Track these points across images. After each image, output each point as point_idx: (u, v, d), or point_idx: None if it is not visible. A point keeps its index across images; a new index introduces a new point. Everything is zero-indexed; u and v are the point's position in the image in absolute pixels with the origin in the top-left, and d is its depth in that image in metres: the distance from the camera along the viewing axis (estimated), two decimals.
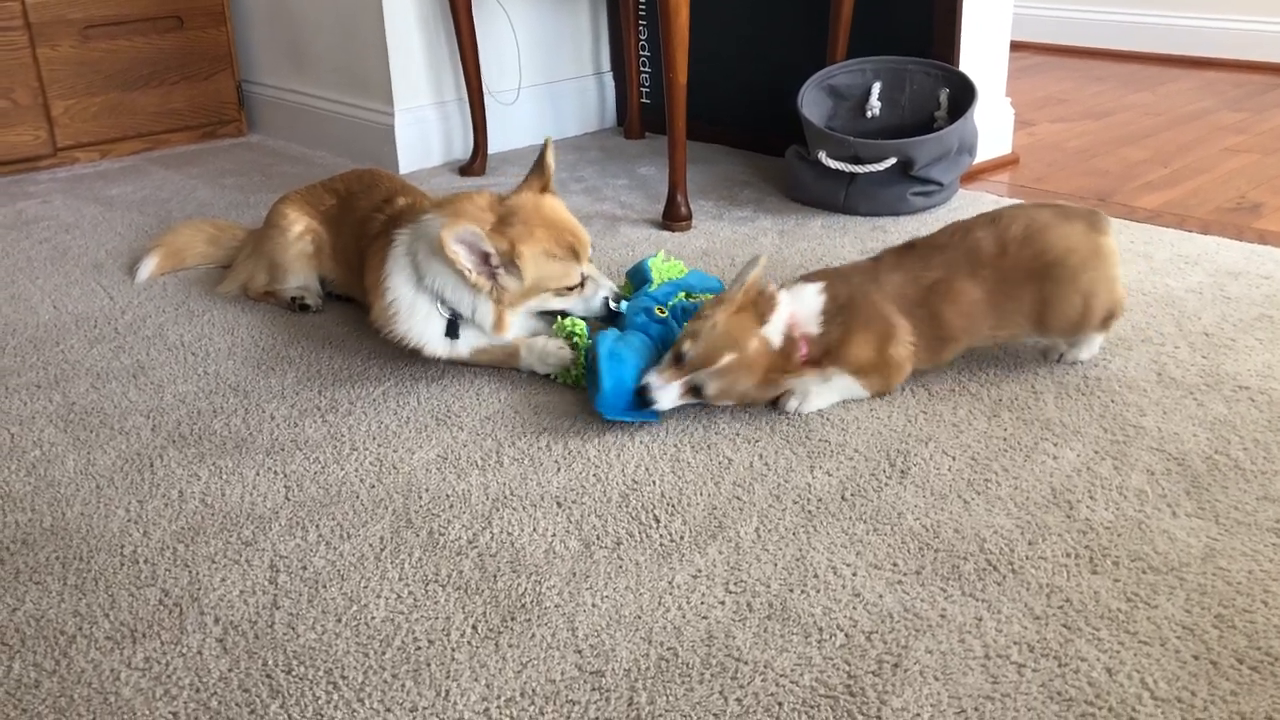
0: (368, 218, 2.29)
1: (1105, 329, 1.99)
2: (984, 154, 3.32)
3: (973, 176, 3.30)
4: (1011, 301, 1.90)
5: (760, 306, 1.84)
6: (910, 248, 1.98)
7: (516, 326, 2.10)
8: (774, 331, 1.84)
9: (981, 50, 3.21)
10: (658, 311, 2.04)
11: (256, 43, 4.15)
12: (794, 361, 1.85)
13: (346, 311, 2.47)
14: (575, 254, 2.05)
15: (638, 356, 1.91)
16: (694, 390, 1.84)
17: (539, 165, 2.14)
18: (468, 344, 2.11)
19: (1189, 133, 3.84)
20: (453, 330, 2.08)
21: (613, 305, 2.12)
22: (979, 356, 2.10)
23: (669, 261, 2.27)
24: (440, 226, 1.95)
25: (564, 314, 2.13)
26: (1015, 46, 5.33)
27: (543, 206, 2.06)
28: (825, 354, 1.87)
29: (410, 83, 3.61)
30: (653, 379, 1.83)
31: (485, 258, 1.98)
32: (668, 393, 1.83)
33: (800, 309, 1.87)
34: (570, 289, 2.07)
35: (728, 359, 1.80)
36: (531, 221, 2.02)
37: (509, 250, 1.97)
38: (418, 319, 2.08)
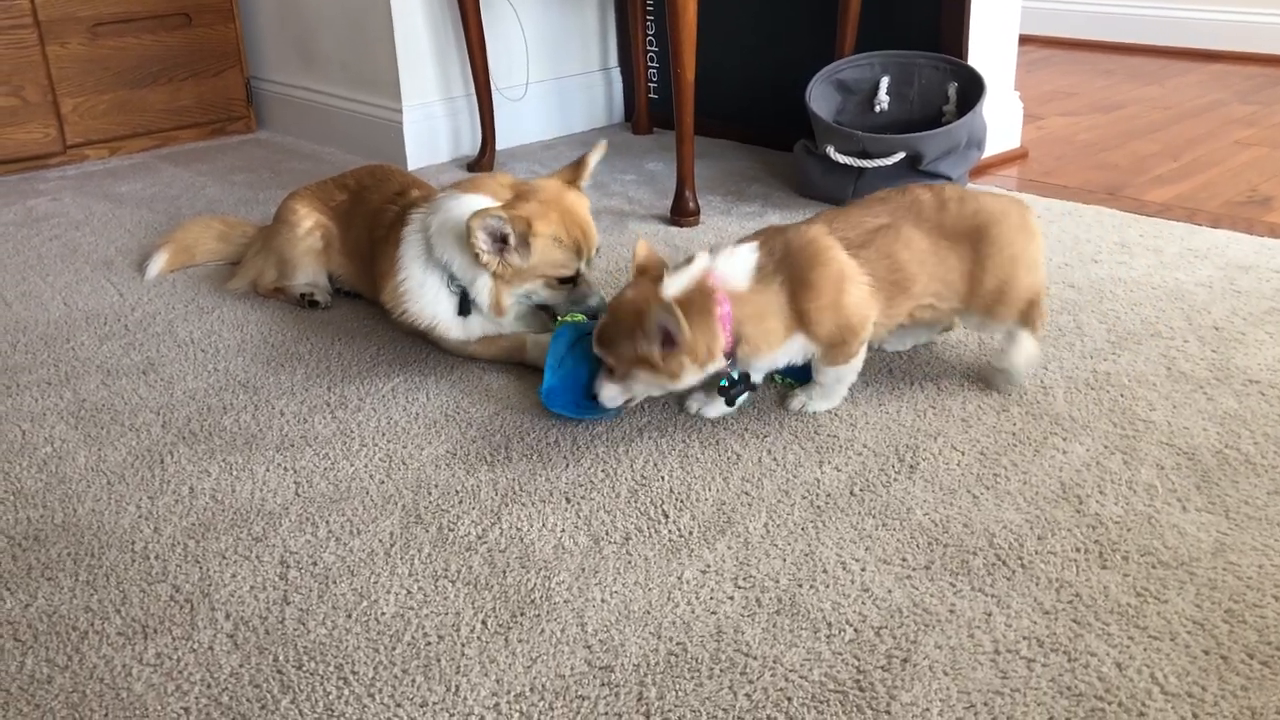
0: (380, 209, 2.31)
1: (1029, 323, 1.91)
2: (993, 148, 3.31)
3: (981, 171, 3.29)
4: (951, 256, 1.87)
5: (651, 270, 1.80)
6: (849, 205, 1.96)
7: (512, 315, 2.12)
8: (674, 286, 1.73)
9: (990, 44, 3.20)
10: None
11: (265, 39, 4.15)
12: (703, 320, 1.71)
13: (355, 308, 2.48)
14: (579, 249, 2.06)
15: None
16: (610, 373, 1.79)
17: (578, 161, 2.18)
18: (476, 328, 2.13)
19: (1199, 126, 3.82)
20: (464, 308, 2.11)
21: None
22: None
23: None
24: (461, 206, 2.02)
25: (554, 316, 2.14)
26: (1024, 40, 5.32)
27: (565, 196, 2.09)
28: (782, 319, 1.77)
29: (418, 79, 3.62)
30: (599, 380, 1.82)
31: (502, 239, 2.00)
32: (605, 390, 1.80)
33: (726, 267, 1.77)
34: (563, 282, 2.07)
35: (603, 317, 1.78)
36: (549, 204, 2.05)
37: (525, 229, 1.99)
38: (428, 298, 2.12)
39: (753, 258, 1.79)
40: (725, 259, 1.78)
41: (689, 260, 1.79)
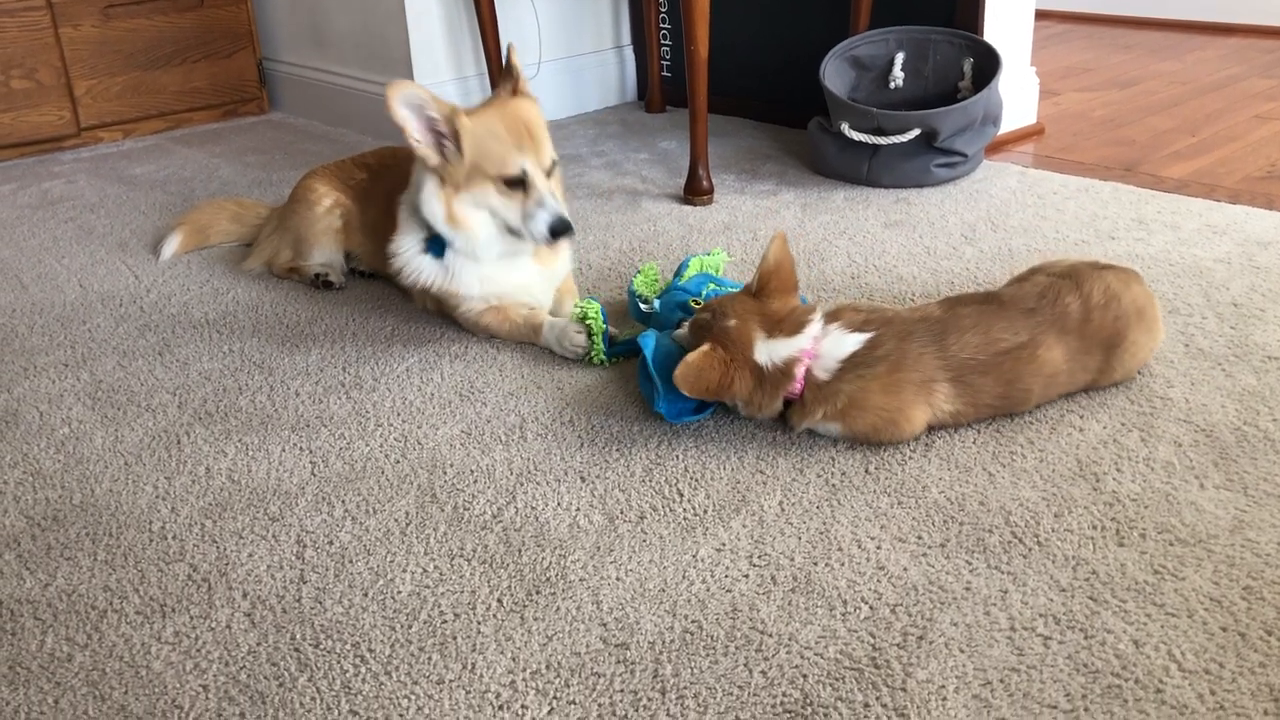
0: (400, 184, 2.30)
1: None
2: (1009, 124, 3.28)
3: (997, 147, 3.27)
4: (1080, 365, 1.78)
5: (785, 320, 1.74)
6: (995, 300, 1.81)
7: (482, 230, 2.05)
8: (770, 353, 1.71)
9: (1006, 19, 3.17)
10: (693, 304, 1.99)
11: (277, 20, 4.15)
12: (772, 393, 1.72)
13: (370, 289, 2.48)
14: (522, 146, 1.98)
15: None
16: None
17: (505, 69, 2.11)
18: (475, 285, 2.12)
19: (1217, 100, 3.79)
20: (434, 248, 2.10)
21: (643, 307, 2.09)
22: None
23: (713, 255, 2.26)
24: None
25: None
26: (1040, 15, 5.28)
27: (512, 102, 2.03)
28: (840, 403, 1.70)
29: (431, 58, 3.61)
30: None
31: (431, 124, 1.97)
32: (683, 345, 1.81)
33: (825, 351, 1.71)
34: (511, 184, 1.98)
35: (730, 320, 1.74)
36: (488, 109, 2.01)
37: (450, 116, 1.96)
38: (417, 251, 2.14)
39: (852, 350, 1.70)
40: (829, 342, 1.71)
41: (808, 315, 1.73)
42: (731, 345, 1.72)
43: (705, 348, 1.71)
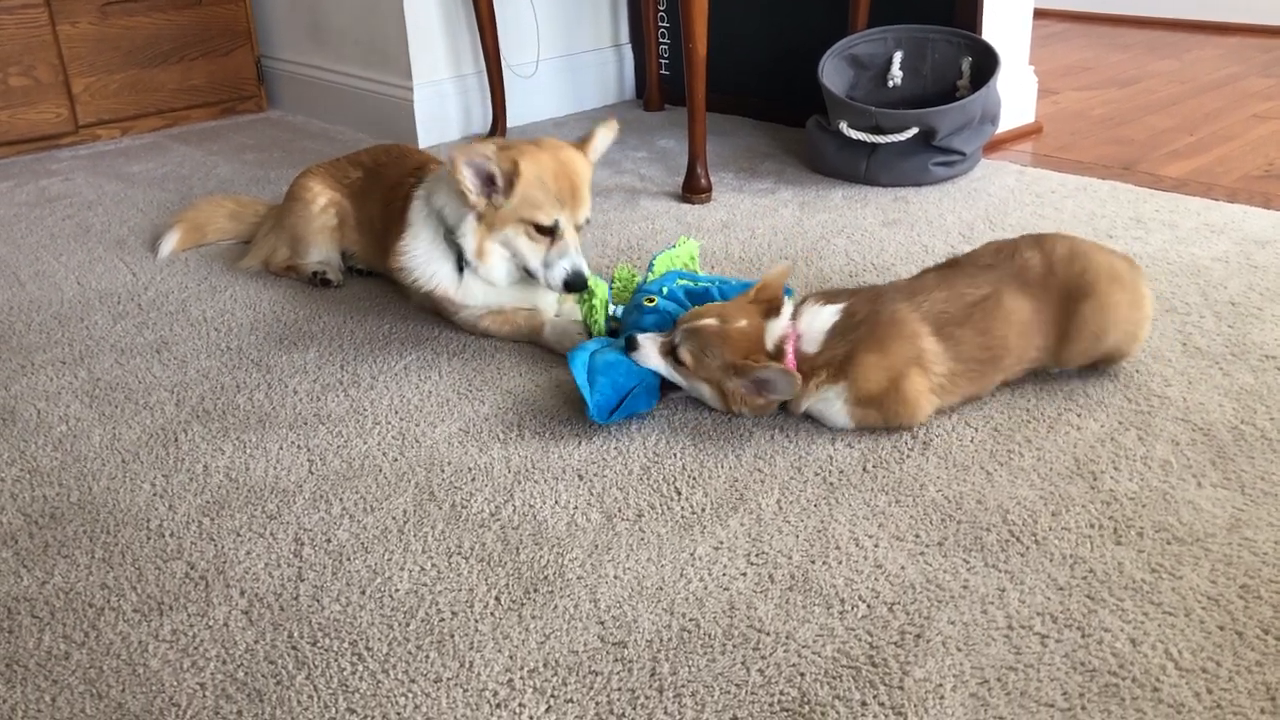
0: (398, 183, 2.31)
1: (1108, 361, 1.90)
2: (1007, 123, 3.28)
3: (996, 146, 3.27)
4: (1050, 319, 1.80)
5: (768, 305, 1.80)
6: (954, 265, 1.89)
7: (498, 269, 2.08)
8: (771, 331, 1.77)
9: (1004, 18, 3.17)
10: (645, 301, 2.01)
11: (275, 18, 4.14)
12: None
13: (368, 287, 2.48)
14: (563, 201, 2.02)
15: (615, 363, 1.85)
16: (674, 355, 1.79)
17: (587, 135, 2.15)
18: (479, 295, 2.13)
19: (1216, 99, 3.79)
20: (462, 265, 2.12)
21: (611, 308, 2.12)
22: None
23: (680, 245, 2.24)
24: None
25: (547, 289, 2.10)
26: (1038, 14, 5.27)
27: (565, 151, 2.07)
28: (827, 373, 1.75)
29: (429, 56, 3.60)
30: (646, 342, 1.83)
31: (489, 179, 2.00)
32: (648, 344, 1.82)
33: (808, 328, 1.77)
34: (542, 231, 2.02)
35: (708, 321, 1.77)
36: (543, 153, 2.03)
37: (511, 167, 1.99)
38: (431, 258, 2.15)
39: (832, 321, 1.77)
40: (807, 317, 1.79)
41: (778, 301, 1.80)
42: (755, 341, 1.77)
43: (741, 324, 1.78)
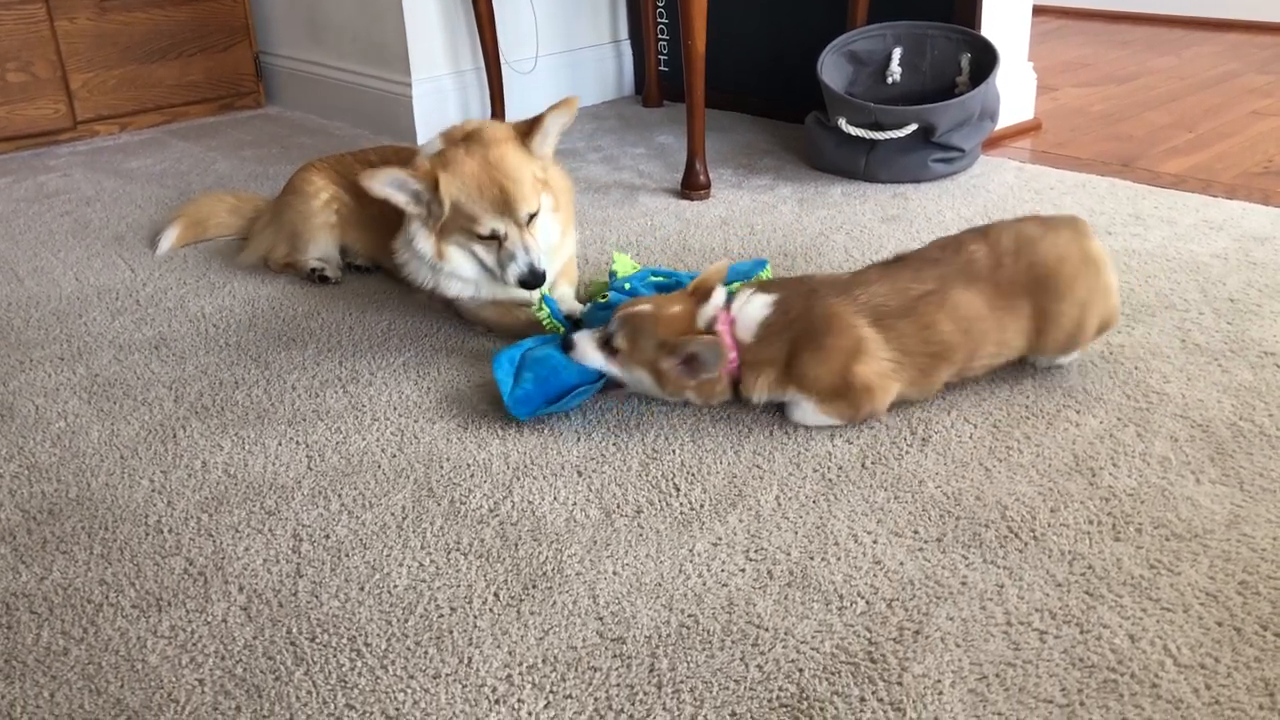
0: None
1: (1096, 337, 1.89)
2: (1006, 119, 3.28)
3: (995, 142, 3.26)
4: (1010, 316, 1.78)
5: (700, 293, 1.81)
6: (899, 260, 1.85)
7: (465, 267, 2.09)
8: (703, 314, 1.78)
9: (1003, 14, 3.17)
10: (599, 298, 2.04)
11: (274, 14, 4.14)
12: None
13: (366, 283, 2.47)
14: (498, 208, 2.00)
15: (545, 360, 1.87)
16: (608, 345, 1.79)
17: (534, 119, 2.09)
18: (484, 291, 2.13)
19: (1215, 96, 3.79)
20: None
21: (578, 306, 2.14)
22: None
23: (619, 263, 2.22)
24: (421, 158, 2.07)
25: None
26: (1037, 10, 5.27)
27: (496, 151, 2.01)
28: (776, 373, 1.75)
29: (427, 52, 3.60)
30: (583, 338, 1.82)
31: (415, 195, 2.02)
32: (583, 341, 1.81)
33: (741, 313, 1.77)
34: (483, 238, 2.02)
35: (640, 307, 1.78)
36: (470, 159, 2.00)
37: (432, 183, 1.99)
38: (417, 260, 2.15)
39: (765, 312, 1.76)
40: (739, 302, 1.79)
41: (709, 288, 1.81)
42: (686, 318, 1.78)
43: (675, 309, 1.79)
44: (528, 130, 2.07)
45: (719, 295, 1.81)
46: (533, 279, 2.02)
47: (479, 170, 1.99)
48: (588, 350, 1.81)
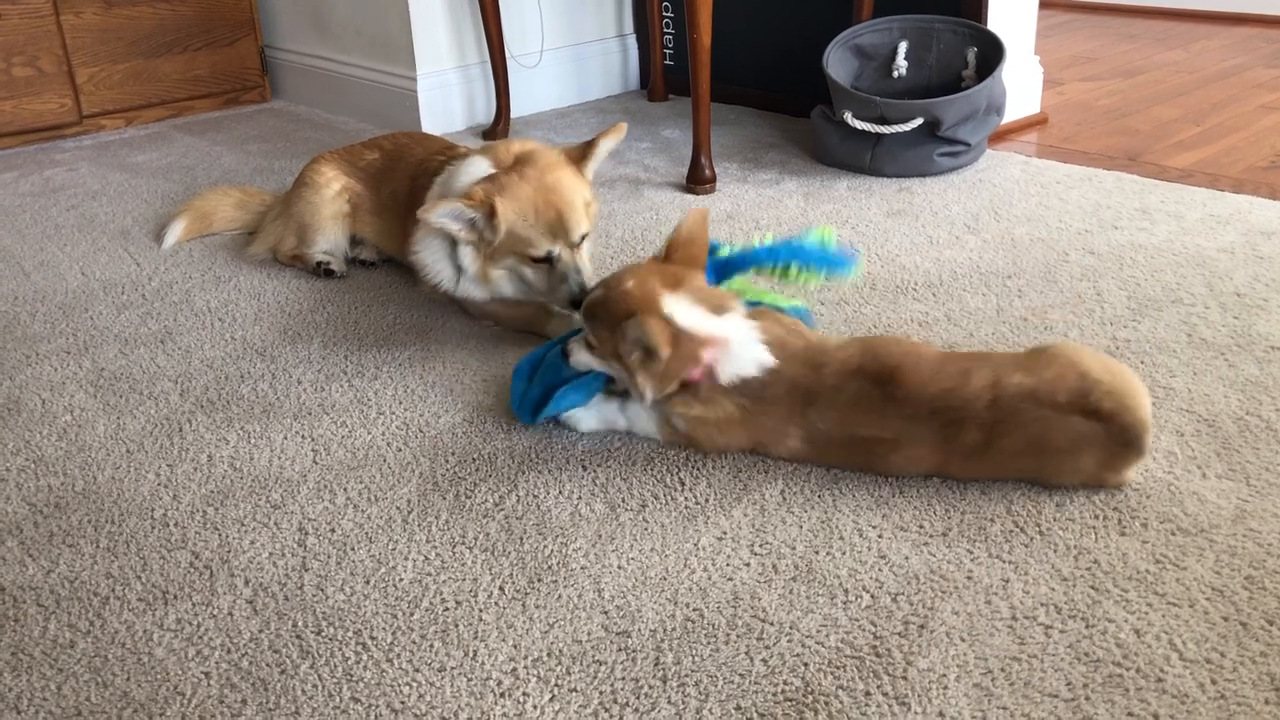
0: (426, 160, 2.32)
1: None
2: (1012, 114, 3.27)
3: (1001, 136, 3.26)
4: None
5: (706, 295, 1.62)
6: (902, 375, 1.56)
7: (507, 287, 2.09)
8: (688, 319, 1.58)
9: (1010, 8, 3.16)
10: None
11: (279, 8, 4.13)
12: (677, 363, 1.58)
13: (372, 277, 2.48)
14: (554, 232, 2.00)
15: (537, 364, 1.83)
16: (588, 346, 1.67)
17: (588, 143, 2.12)
18: (483, 295, 2.13)
19: (1222, 90, 3.77)
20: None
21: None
22: (1008, 319, 2.09)
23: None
24: (462, 176, 2.06)
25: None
26: (1044, 4, 5.26)
27: (551, 176, 2.02)
28: (707, 414, 1.62)
29: (433, 46, 3.60)
30: (574, 344, 1.72)
31: (471, 222, 2.00)
32: (575, 346, 1.70)
33: (735, 348, 1.59)
34: (537, 261, 2.02)
35: (596, 292, 1.66)
36: (525, 183, 2.00)
37: (488, 213, 1.98)
38: (438, 256, 2.14)
39: (754, 373, 1.59)
40: (741, 343, 1.60)
41: (731, 301, 1.63)
42: (637, 298, 1.60)
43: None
44: (580, 156, 2.10)
45: (737, 310, 1.62)
46: (583, 299, 1.99)
47: (535, 195, 1.99)
48: (580, 354, 1.70)
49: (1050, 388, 1.49)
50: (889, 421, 1.55)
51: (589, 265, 2.07)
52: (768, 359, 1.59)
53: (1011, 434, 1.50)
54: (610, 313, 1.61)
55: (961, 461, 1.55)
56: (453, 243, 2.08)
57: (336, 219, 2.46)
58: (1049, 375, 1.50)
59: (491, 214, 1.97)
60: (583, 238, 2.05)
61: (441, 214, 1.97)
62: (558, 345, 1.81)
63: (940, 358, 1.58)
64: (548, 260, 2.03)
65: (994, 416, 1.50)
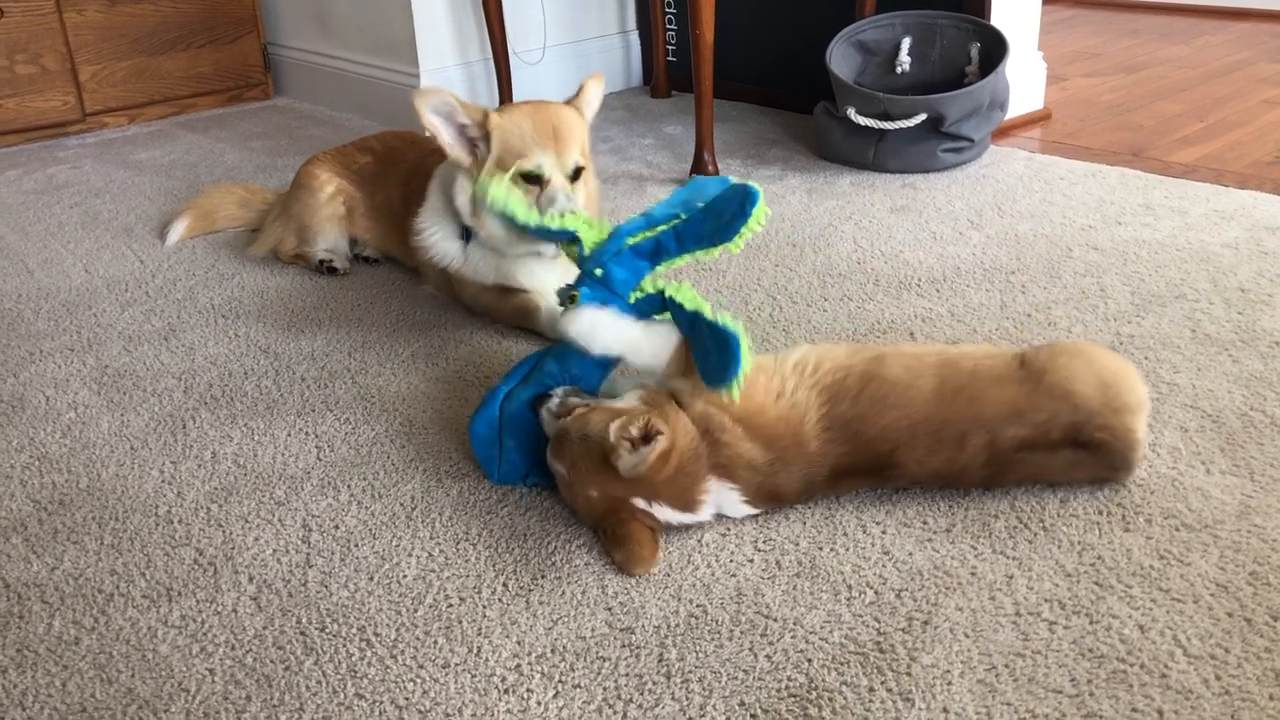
0: (420, 163, 2.32)
1: None
2: (1015, 109, 3.27)
3: (1004, 132, 3.25)
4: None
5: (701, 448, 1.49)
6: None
7: (497, 230, 2.01)
8: (689, 433, 1.48)
9: (1013, 4, 3.15)
10: (595, 271, 1.63)
11: (282, 5, 4.13)
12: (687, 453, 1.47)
13: (375, 274, 2.48)
14: (543, 143, 1.97)
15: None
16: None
17: (577, 91, 2.13)
18: (485, 269, 2.13)
19: (1226, 85, 3.77)
20: (466, 234, 2.12)
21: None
22: (1011, 315, 2.08)
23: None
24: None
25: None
26: (1047, 0, 5.24)
27: (548, 105, 2.05)
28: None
29: (435, 43, 3.59)
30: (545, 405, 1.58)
31: (462, 129, 2.00)
32: (547, 414, 1.56)
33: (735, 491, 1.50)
34: (529, 180, 1.96)
35: (635, 394, 1.57)
36: (519, 105, 2.03)
37: (482, 119, 1.98)
38: (443, 234, 2.15)
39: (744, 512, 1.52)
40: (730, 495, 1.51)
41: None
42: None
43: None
44: (574, 100, 2.11)
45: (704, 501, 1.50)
46: (568, 235, 1.84)
47: (530, 111, 2.00)
48: (550, 422, 1.56)
49: (1044, 430, 1.48)
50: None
51: (582, 197, 2.02)
52: (748, 507, 1.52)
53: (1008, 475, 1.54)
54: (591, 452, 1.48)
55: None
56: (457, 224, 2.09)
57: (333, 220, 2.47)
58: (1042, 419, 1.48)
59: (484, 120, 1.98)
60: (577, 171, 2.02)
61: (433, 105, 1.96)
62: (513, 395, 1.63)
63: (929, 397, 1.51)
64: (539, 181, 1.98)
65: (991, 470, 1.52)
